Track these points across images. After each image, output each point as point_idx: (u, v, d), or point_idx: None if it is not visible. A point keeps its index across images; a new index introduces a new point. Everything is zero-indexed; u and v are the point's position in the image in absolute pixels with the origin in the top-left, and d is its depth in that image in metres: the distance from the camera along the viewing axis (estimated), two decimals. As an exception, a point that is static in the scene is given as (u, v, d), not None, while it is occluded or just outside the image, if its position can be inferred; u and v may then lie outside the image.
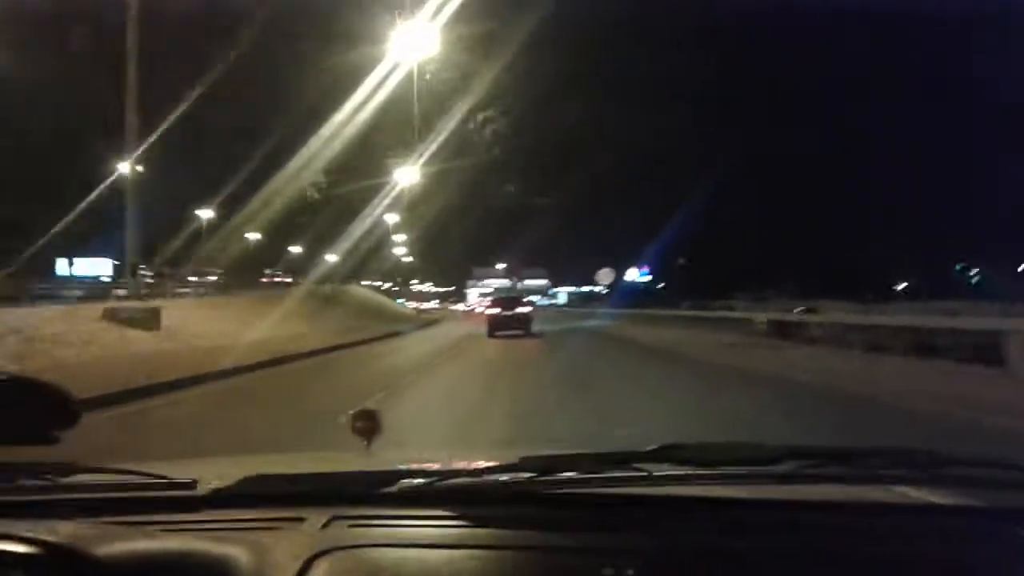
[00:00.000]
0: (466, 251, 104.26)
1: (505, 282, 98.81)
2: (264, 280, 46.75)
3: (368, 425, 1.75)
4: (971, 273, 71.03)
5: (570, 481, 1.22)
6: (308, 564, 0.99)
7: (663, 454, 1.18)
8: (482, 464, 1.34)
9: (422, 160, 42.50)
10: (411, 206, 59.23)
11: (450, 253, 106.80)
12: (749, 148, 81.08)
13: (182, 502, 1.23)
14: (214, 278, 42.86)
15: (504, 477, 1.24)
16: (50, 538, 0.83)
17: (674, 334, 24.43)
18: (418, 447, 5.18)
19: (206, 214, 52.74)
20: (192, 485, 1.26)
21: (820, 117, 78.18)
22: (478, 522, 1.13)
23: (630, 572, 0.99)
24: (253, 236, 52.07)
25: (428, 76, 28.11)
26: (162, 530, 1.10)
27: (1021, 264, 66.50)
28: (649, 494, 1.19)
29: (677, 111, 78.43)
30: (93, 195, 25.54)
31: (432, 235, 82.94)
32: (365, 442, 1.74)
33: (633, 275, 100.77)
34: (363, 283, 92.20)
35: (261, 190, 33.28)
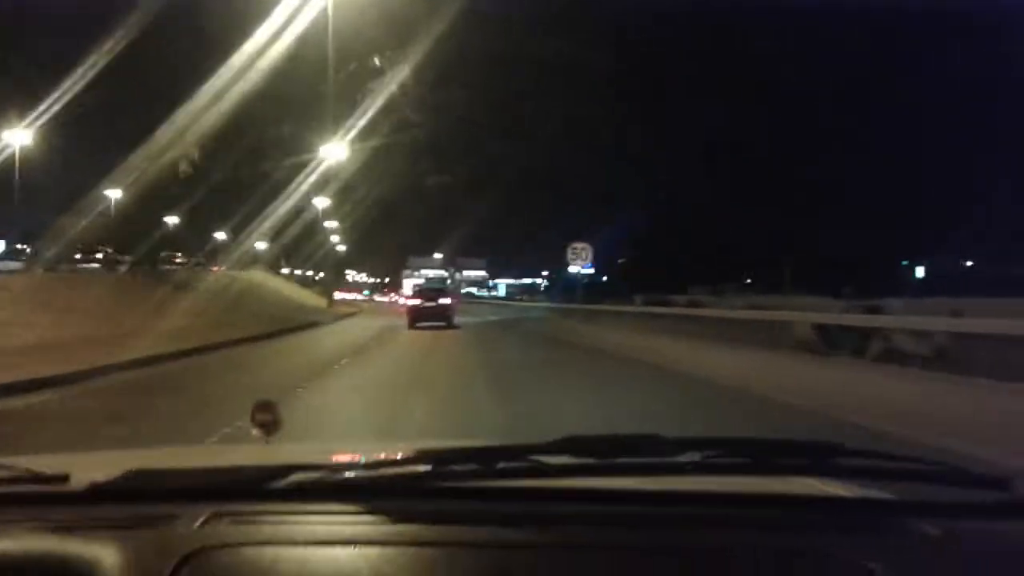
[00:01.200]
0: (403, 240, 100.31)
1: (442, 273, 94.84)
2: (169, 266, 41.86)
3: (268, 418, 1.68)
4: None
5: (467, 473, 1.19)
6: (180, 564, 0.94)
7: (564, 446, 1.18)
8: (378, 457, 1.31)
9: (349, 136, 40.00)
10: (343, 190, 56.13)
11: (386, 242, 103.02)
12: (694, 135, 78.09)
13: (52, 497, 1.17)
14: (99, 255, 37.42)
15: (399, 470, 1.23)
16: None
17: (650, 341, 16.65)
18: (318, 440, 4.99)
19: (115, 194, 49.09)
20: (64, 479, 1.19)
21: (774, 102, 75.19)
22: (370, 517, 1.10)
23: (526, 565, 1.00)
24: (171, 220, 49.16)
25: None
26: (27, 529, 1.04)
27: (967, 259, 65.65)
28: (546, 487, 1.18)
29: (624, 96, 74.94)
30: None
31: (366, 223, 79.46)
32: (264, 436, 1.68)
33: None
34: (289, 271, 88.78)
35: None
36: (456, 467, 1.20)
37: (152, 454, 1.78)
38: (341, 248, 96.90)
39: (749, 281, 61.39)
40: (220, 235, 60.29)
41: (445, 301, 27.81)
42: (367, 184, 58.59)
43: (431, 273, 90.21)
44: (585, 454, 1.18)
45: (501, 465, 1.19)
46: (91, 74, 22.77)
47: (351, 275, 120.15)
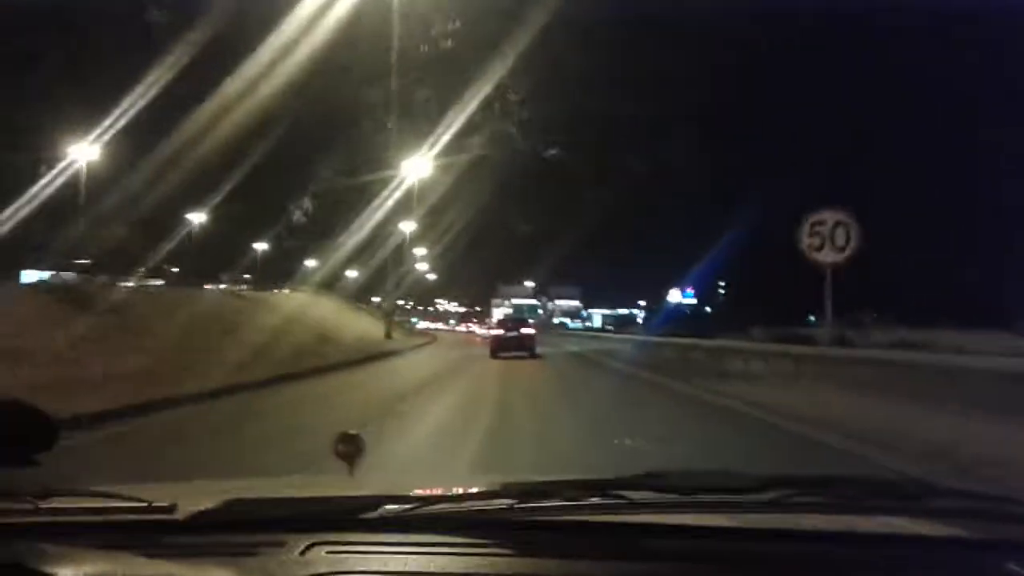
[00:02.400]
0: (493, 268, 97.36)
1: (533, 301, 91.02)
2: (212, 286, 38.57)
3: (351, 449, 1.74)
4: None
5: (550, 508, 1.22)
6: None
7: (645, 481, 1.20)
8: (463, 490, 1.36)
9: (433, 151, 36.74)
10: (430, 213, 53.40)
11: (475, 270, 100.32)
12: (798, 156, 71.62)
13: (161, 526, 1.22)
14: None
15: (485, 504, 1.26)
16: (27, 563, 0.82)
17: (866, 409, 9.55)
18: (400, 472, 5.06)
19: (197, 218, 48.05)
20: (171, 509, 1.24)
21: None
22: (458, 549, 1.14)
23: None
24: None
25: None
26: (141, 555, 1.07)
27: None
28: (629, 521, 1.18)
29: (724, 117, 69.54)
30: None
31: (456, 249, 76.87)
32: (348, 467, 1.74)
33: (675, 297, 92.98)
34: (379, 300, 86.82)
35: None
36: (540, 501, 1.23)
37: (247, 484, 1.79)
38: (431, 276, 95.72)
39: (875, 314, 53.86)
40: (311, 263, 59.20)
41: (527, 331, 27.80)
42: (456, 207, 55.97)
43: (523, 303, 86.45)
44: (667, 489, 1.20)
45: (585, 500, 1.22)
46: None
47: (442, 304, 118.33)
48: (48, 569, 0.82)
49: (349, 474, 1.72)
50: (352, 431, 1.79)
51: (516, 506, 1.22)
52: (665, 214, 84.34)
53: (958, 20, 41.09)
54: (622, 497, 1.19)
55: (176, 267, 40.09)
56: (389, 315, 38.72)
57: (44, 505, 1.21)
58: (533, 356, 25.72)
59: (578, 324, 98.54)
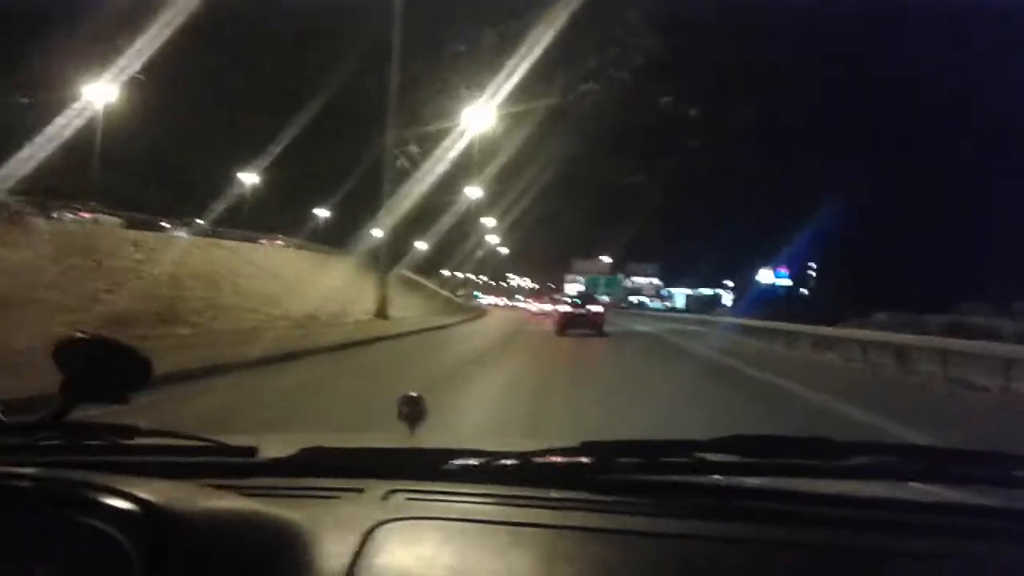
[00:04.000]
0: (569, 243, 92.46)
1: (609, 277, 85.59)
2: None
3: (413, 411, 1.73)
4: None
5: (629, 465, 1.22)
6: (369, 533, 1.01)
7: (727, 444, 1.17)
8: (540, 447, 1.31)
9: (497, 97, 32.13)
10: (503, 179, 49.01)
11: (550, 244, 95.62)
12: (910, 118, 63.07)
13: (244, 468, 1.25)
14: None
15: (561, 459, 1.25)
16: (139, 493, 0.86)
17: None
18: (462, 435, 4.90)
19: (249, 179, 45.63)
20: (252, 452, 1.28)
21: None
22: (537, 502, 1.13)
23: (682, 557, 1.00)
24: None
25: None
26: (225, 492, 1.08)
27: None
28: (708, 483, 1.18)
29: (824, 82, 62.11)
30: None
31: (529, 222, 72.31)
32: (409, 428, 1.71)
33: (767, 277, 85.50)
34: (449, 274, 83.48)
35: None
36: (618, 459, 1.23)
37: (316, 437, 1.61)
38: (502, 250, 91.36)
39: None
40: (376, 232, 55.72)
41: (596, 309, 26.70)
42: (531, 172, 51.44)
43: (593, 276, 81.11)
44: (750, 453, 1.18)
45: (663, 459, 1.21)
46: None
47: (514, 279, 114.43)
48: (154, 501, 0.85)
49: (410, 435, 1.71)
50: (415, 393, 1.77)
51: (592, 463, 1.22)
52: (757, 185, 77.37)
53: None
54: (704, 459, 1.18)
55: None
56: (386, 287, 27.19)
57: (131, 442, 1.26)
58: (601, 335, 24.72)
59: (658, 304, 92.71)
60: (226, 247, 24.47)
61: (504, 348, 18.57)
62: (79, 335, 1.13)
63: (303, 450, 1.28)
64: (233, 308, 18.02)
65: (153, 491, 0.88)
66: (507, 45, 30.47)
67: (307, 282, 24.74)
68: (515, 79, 30.48)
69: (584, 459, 1.22)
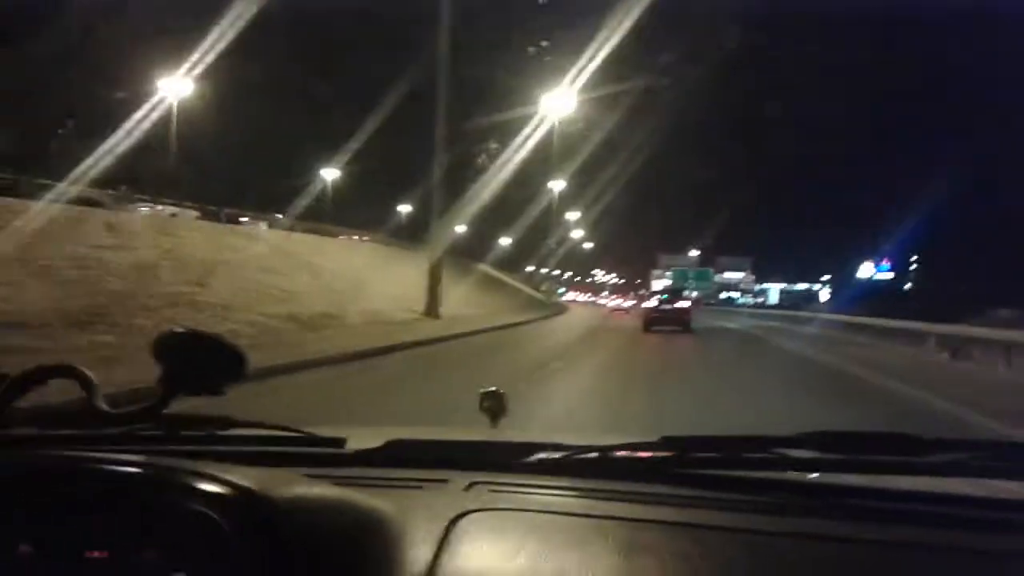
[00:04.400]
0: (655, 238, 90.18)
1: (698, 270, 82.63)
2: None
3: (495, 405, 1.81)
4: None
5: (711, 460, 1.22)
6: (453, 522, 1.04)
7: (809, 440, 1.16)
8: (620, 441, 1.34)
9: (577, 81, 30.63)
10: (587, 171, 47.59)
11: (636, 239, 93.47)
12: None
13: (334, 458, 1.30)
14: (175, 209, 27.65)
15: (641, 453, 1.27)
16: (237, 479, 0.91)
17: None
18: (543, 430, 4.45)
19: (331, 174, 46.04)
20: (341, 443, 1.33)
21: None
22: (619, 496, 1.14)
23: (761, 552, 1.00)
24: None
25: None
26: (314, 480, 1.09)
27: None
28: (789, 479, 1.17)
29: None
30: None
31: (614, 216, 70.52)
32: (490, 422, 1.79)
33: (867, 271, 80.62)
34: (534, 269, 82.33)
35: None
36: (698, 454, 1.23)
37: (398, 430, 1.67)
38: (587, 245, 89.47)
39: None
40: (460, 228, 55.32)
41: (682, 305, 26.52)
42: (614, 164, 49.81)
43: (681, 269, 78.51)
44: (831, 449, 1.16)
45: (744, 455, 1.23)
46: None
47: (598, 275, 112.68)
48: (252, 487, 0.89)
49: (492, 428, 1.77)
50: (496, 388, 1.83)
51: (672, 457, 1.22)
52: (852, 175, 73.15)
53: None
54: (786, 455, 1.18)
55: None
56: (436, 281, 23.63)
57: (224, 433, 1.33)
58: (687, 330, 24.34)
59: (748, 299, 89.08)
60: (261, 238, 23.36)
61: (573, 354, 15.29)
62: (177, 330, 1.17)
63: (389, 442, 1.33)
64: (220, 304, 15.17)
65: (250, 477, 0.92)
66: (590, 32, 29.17)
67: (356, 278, 22.91)
68: (596, 67, 29.26)
69: (664, 453, 1.23)
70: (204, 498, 0.87)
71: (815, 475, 1.19)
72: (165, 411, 1.20)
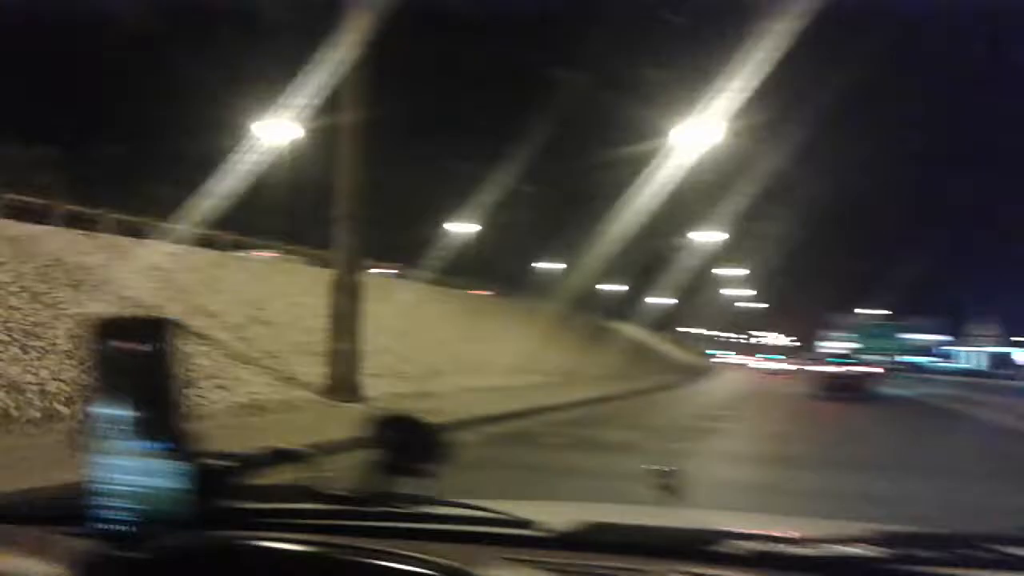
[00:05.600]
0: (827, 298, 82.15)
1: (882, 329, 74.20)
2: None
3: (669, 482, 1.79)
4: None
5: (932, 559, 1.13)
6: None
7: None
8: (825, 533, 1.29)
9: (728, 108, 25.46)
10: (738, 220, 42.54)
11: (806, 298, 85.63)
12: None
13: (526, 539, 1.28)
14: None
15: (850, 549, 1.17)
16: (436, 559, 0.95)
17: None
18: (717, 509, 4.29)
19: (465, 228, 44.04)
20: (528, 524, 1.31)
21: None
22: None
23: None
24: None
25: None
26: (504, 563, 1.16)
27: None
28: None
29: None
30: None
31: (779, 270, 64.16)
32: (663, 497, 1.76)
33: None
34: (685, 330, 76.58)
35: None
36: (914, 551, 1.17)
37: (585, 509, 1.74)
38: (755, 305, 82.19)
39: None
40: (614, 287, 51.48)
41: (867, 370, 24.56)
42: (776, 212, 44.35)
43: (860, 329, 70.06)
44: None
45: (963, 552, 1.15)
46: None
47: (762, 336, 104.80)
48: (452, 566, 0.93)
49: (667, 506, 1.77)
50: (671, 467, 1.82)
51: (883, 554, 1.14)
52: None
53: None
54: (1008, 555, 1.12)
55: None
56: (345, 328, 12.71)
57: (414, 510, 1.34)
58: (868, 400, 21.69)
59: (939, 363, 77.88)
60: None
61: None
62: (392, 415, 1.26)
63: (579, 524, 1.29)
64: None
65: (457, 557, 0.97)
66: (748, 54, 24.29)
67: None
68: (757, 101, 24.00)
69: (876, 549, 1.15)
70: None
71: None
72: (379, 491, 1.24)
